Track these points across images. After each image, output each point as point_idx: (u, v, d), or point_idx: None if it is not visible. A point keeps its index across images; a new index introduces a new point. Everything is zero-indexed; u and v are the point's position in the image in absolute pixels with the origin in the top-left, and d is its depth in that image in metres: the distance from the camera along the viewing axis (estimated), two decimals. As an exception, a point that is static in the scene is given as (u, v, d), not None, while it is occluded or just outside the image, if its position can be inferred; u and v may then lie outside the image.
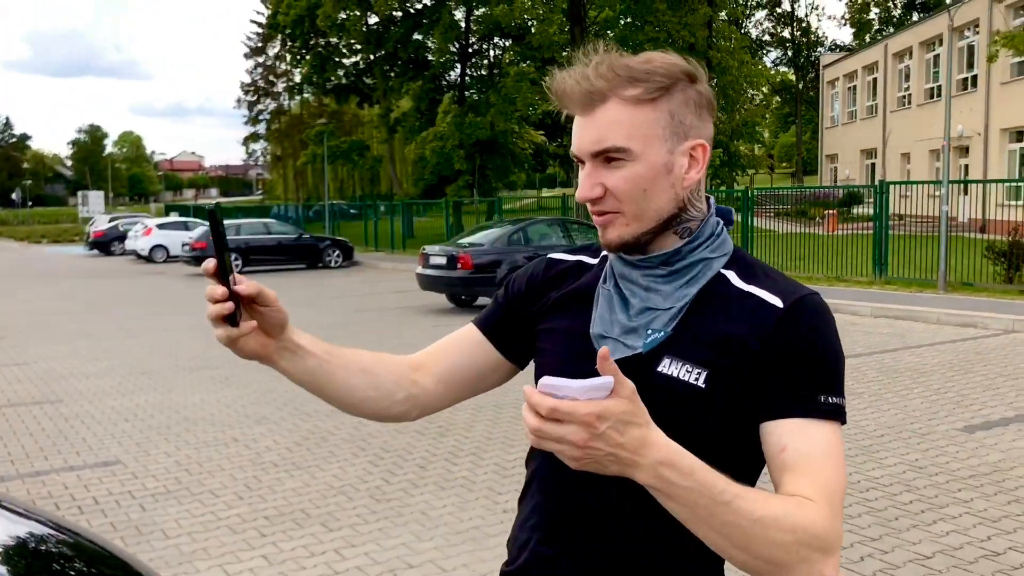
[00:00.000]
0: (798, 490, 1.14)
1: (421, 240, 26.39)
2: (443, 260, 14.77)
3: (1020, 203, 21.69)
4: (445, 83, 38.73)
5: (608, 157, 1.24)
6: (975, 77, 30.50)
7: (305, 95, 57.98)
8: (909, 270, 15.98)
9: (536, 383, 1.44)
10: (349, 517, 5.05)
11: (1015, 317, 11.41)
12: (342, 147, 46.45)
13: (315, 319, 13.85)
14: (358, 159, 47.88)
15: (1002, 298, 13.44)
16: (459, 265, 14.34)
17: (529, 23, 33.50)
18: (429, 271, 15.05)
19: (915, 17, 53.36)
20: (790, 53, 62.75)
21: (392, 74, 38.18)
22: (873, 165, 39.84)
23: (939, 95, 33.71)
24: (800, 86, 61.86)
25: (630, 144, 1.23)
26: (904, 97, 37.49)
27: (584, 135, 1.26)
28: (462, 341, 1.49)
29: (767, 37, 62.53)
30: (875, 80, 40.47)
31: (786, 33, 62.80)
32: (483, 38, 37.24)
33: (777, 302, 1.25)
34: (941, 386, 8.01)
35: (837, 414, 1.20)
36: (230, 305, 1.19)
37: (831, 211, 31.35)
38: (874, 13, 58.98)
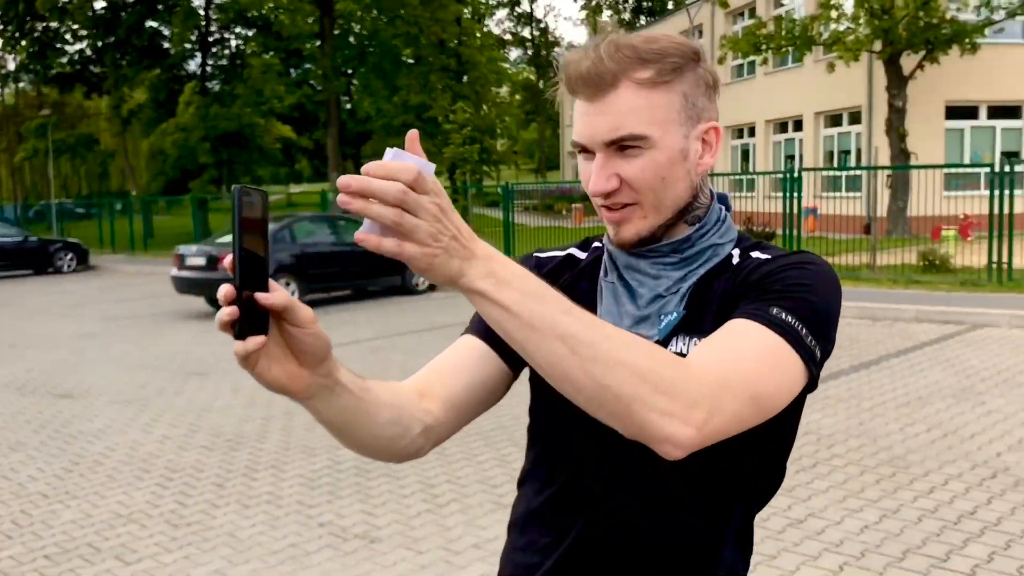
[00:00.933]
0: (695, 349, 1.07)
1: (164, 241, 24.77)
2: (202, 261, 13.91)
3: (744, 194, 23.78)
4: (184, 73, 36.57)
5: (623, 145, 1.15)
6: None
7: (21, 84, 52.74)
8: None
9: (532, 391, 1.32)
10: (147, 547, 4.56)
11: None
12: (68, 141, 42.68)
13: (61, 329, 12.57)
14: (86, 154, 44.22)
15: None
16: (221, 266, 13.53)
17: (275, 12, 32.33)
18: (186, 273, 14.11)
19: (643, 20, 57.04)
20: (530, 52, 65.10)
21: (124, 62, 35.47)
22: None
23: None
24: (541, 84, 64.37)
25: (649, 131, 1.15)
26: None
27: (596, 122, 1.16)
28: (466, 358, 1.30)
29: (508, 36, 64.55)
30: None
31: (526, 32, 65.10)
32: (224, 27, 35.52)
33: (767, 255, 1.22)
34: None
35: (788, 333, 1.07)
36: (233, 310, 0.93)
37: (577, 205, 32.95)
38: (606, 15, 62.39)
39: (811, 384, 1.11)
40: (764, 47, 20.86)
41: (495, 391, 1.32)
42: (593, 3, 62.20)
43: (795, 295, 1.12)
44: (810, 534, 4.43)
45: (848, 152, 25.40)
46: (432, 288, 16.07)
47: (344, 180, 0.89)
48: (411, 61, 34.84)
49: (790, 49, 21.59)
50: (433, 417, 1.22)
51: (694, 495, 1.21)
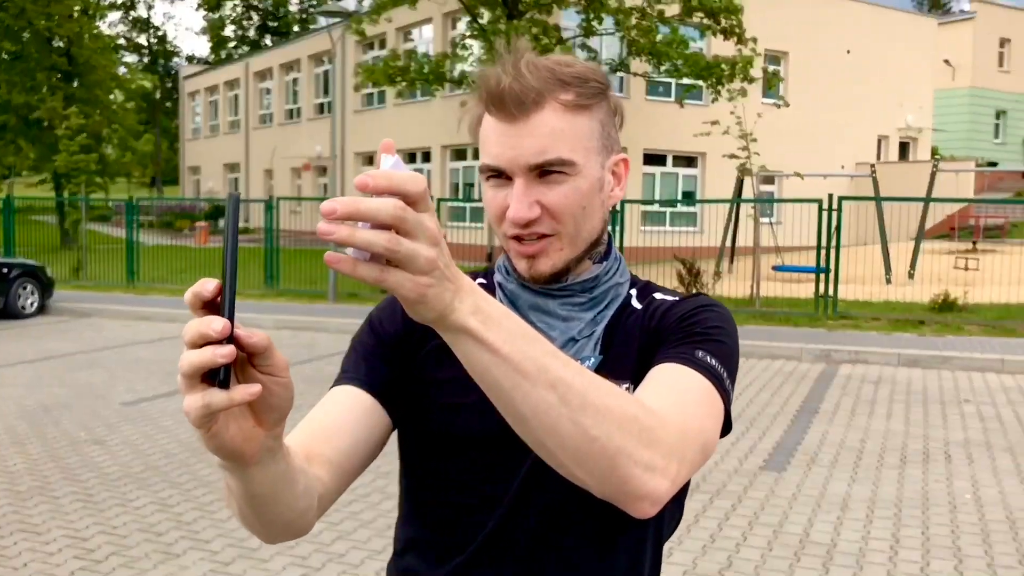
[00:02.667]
0: (645, 397, 1.00)
1: None
2: None
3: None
4: None
5: (546, 171, 1.08)
6: (330, 103, 33.14)
7: None
8: (297, 282, 16.73)
9: (409, 449, 1.19)
10: None
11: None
12: None
13: None
14: None
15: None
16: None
17: None
18: None
19: (268, 40, 56.02)
20: (147, 60, 61.09)
21: None
22: (236, 180, 40.74)
23: (299, 116, 35.91)
24: (158, 95, 60.51)
25: (575, 156, 1.09)
26: (266, 115, 39.04)
27: (520, 144, 1.07)
28: (349, 413, 1.13)
29: (123, 41, 60.00)
30: (237, 96, 41.40)
31: (142, 39, 61.02)
32: None
33: (672, 298, 1.22)
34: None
35: (716, 377, 1.06)
36: (230, 351, 0.73)
37: (202, 224, 31.37)
38: (230, 30, 60.43)
39: (727, 425, 1.10)
40: (399, 79, 21.42)
41: (378, 448, 1.18)
42: (216, 16, 59.95)
43: (713, 338, 1.12)
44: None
45: (471, 184, 26.90)
46: (42, 310, 14.36)
47: (328, 206, 0.73)
48: (8, 56, 31.06)
49: (423, 83, 22.39)
50: (323, 484, 1.06)
51: (612, 538, 1.17)
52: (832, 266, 13.41)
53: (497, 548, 1.15)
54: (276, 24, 60.85)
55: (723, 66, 19.58)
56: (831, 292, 13.43)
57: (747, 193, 18.71)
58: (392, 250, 0.74)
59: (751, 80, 20.18)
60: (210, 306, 0.76)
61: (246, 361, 0.78)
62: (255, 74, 39.58)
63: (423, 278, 0.77)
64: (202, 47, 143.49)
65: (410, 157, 29.85)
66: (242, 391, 0.75)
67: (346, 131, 31.47)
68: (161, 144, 60.03)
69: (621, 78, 23.40)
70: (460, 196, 27.23)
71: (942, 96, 39.90)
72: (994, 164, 37.44)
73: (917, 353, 10.45)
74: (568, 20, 22.84)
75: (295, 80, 36.51)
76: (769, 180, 26.16)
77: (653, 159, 26.27)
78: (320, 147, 31.90)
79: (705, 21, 20.71)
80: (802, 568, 4.40)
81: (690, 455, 0.96)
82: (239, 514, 0.96)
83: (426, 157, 28.76)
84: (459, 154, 27.61)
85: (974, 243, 22.54)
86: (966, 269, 16.56)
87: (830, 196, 13.77)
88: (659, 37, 20.06)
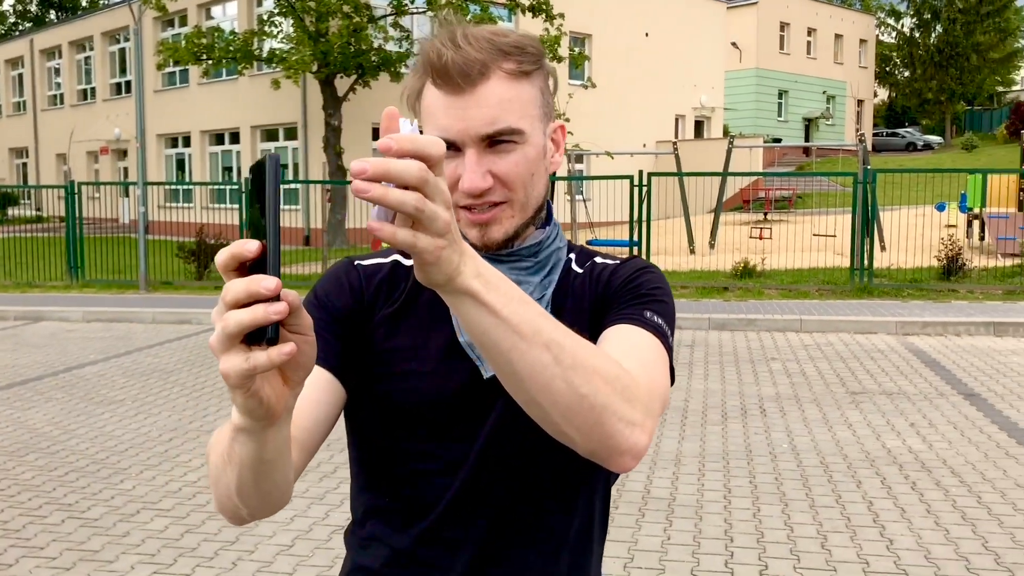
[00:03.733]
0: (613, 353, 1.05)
1: None
2: None
3: (180, 205, 23.18)
4: None
5: (496, 140, 1.11)
6: (129, 83, 31.32)
7: None
8: (104, 272, 15.82)
9: (363, 420, 1.22)
10: None
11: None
12: None
13: None
14: None
15: (201, 294, 14.27)
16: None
17: None
18: None
19: (52, 15, 52.08)
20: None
21: None
22: (25, 165, 37.85)
23: (94, 96, 33.72)
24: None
25: (522, 125, 1.12)
26: (56, 96, 36.42)
27: (470, 115, 1.09)
28: (308, 389, 1.11)
29: None
30: (21, 76, 38.38)
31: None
32: None
33: (613, 262, 1.28)
34: (195, 382, 8.23)
35: (663, 336, 1.15)
36: (284, 307, 0.74)
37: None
38: (8, 4, 55.73)
39: (671, 377, 1.17)
40: (204, 57, 20.56)
41: (334, 421, 1.19)
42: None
43: (657, 298, 1.19)
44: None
45: (286, 166, 26.19)
46: None
47: (358, 165, 0.76)
48: None
49: (230, 62, 21.59)
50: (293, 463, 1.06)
51: (574, 492, 1.24)
52: (644, 239, 14.06)
53: (464, 508, 1.19)
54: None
55: (537, 41, 20.06)
56: (644, 264, 14.09)
57: (560, 172, 19.26)
58: (420, 209, 0.78)
59: (559, 59, 20.75)
60: (242, 268, 0.77)
61: (284, 322, 0.79)
62: (41, 52, 36.79)
63: (440, 240, 0.81)
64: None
65: (217, 138, 28.72)
66: (278, 351, 0.76)
67: (146, 112, 29.87)
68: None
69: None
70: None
71: (731, 77, 42.42)
72: (778, 140, 40.22)
73: (725, 317, 11.18)
74: (378, -1, 22.63)
75: (87, 59, 34.21)
76: (578, 159, 26.99)
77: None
78: (119, 129, 30.09)
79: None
80: (648, 523, 4.69)
81: (657, 409, 1.04)
82: (235, 486, 0.95)
83: (235, 138, 27.75)
84: (270, 134, 26.81)
85: (765, 214, 24.22)
86: (760, 238, 17.79)
87: (640, 172, 14.43)
88: (469, 16, 20.24)
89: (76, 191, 15.29)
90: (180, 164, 30.06)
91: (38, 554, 4.41)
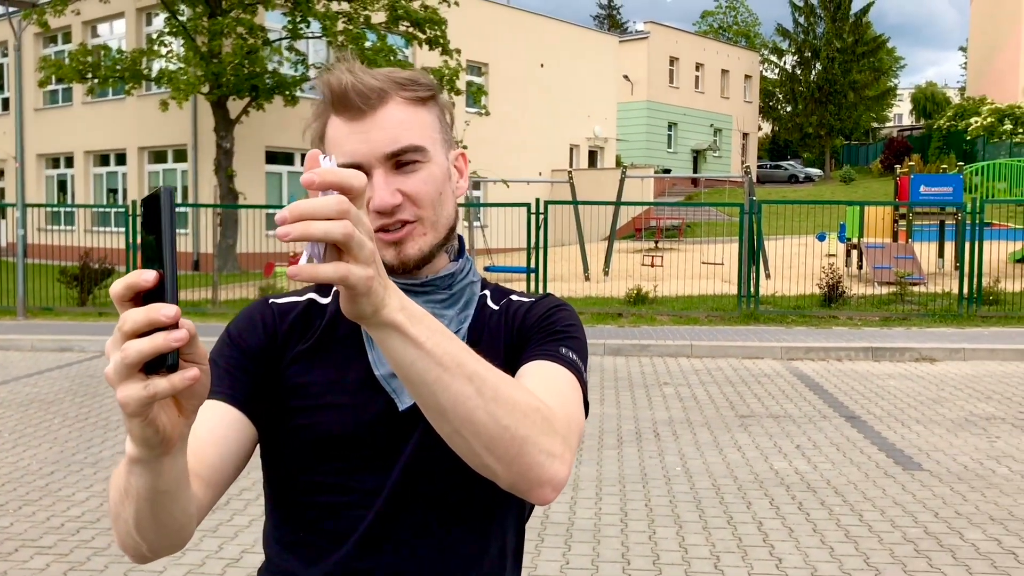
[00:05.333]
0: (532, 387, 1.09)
1: None
2: None
3: (62, 228, 22.34)
4: None
5: (400, 160, 1.15)
6: (6, 100, 30.00)
7: None
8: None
9: (277, 457, 1.23)
10: None
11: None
12: None
13: None
14: None
15: (83, 320, 13.72)
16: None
17: None
18: None
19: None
20: None
21: None
22: None
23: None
24: None
25: (425, 143, 1.18)
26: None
27: (371, 137, 1.14)
28: (217, 427, 1.12)
29: None
30: None
31: None
32: None
33: (528, 299, 1.32)
34: (78, 412, 7.91)
35: (577, 371, 1.19)
36: (184, 334, 0.75)
37: None
38: None
39: (585, 410, 1.21)
40: (90, 75, 19.88)
41: (245, 459, 1.19)
42: None
43: (571, 335, 1.25)
44: (253, 569, 4.44)
45: (175, 188, 25.49)
46: None
47: (279, 215, 0.80)
48: None
49: (117, 81, 20.94)
50: (197, 499, 1.05)
51: (489, 522, 1.25)
52: (540, 266, 14.24)
53: (377, 539, 1.19)
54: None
55: (431, 77, 20.17)
56: (541, 291, 14.25)
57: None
58: (348, 235, 0.81)
59: (458, 92, 20.91)
60: (137, 299, 0.78)
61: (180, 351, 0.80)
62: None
63: (368, 269, 0.83)
64: None
65: (102, 159, 27.76)
66: (181, 376, 0.77)
67: (26, 130, 28.64)
68: None
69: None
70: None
71: (623, 109, 43.53)
72: (668, 171, 41.35)
73: (619, 343, 11.40)
74: (274, 21, 22.38)
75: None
76: (475, 186, 27.15)
77: (278, 157, 25.66)
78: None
79: (411, 30, 21.18)
80: (547, 547, 4.73)
81: (575, 442, 1.08)
82: (133, 520, 0.94)
83: (121, 159, 26.87)
84: (159, 156, 26.06)
85: (656, 243, 24.85)
86: (652, 266, 18.22)
87: (537, 200, 14.62)
88: (367, 44, 20.21)
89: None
90: (62, 185, 28.88)
91: None
